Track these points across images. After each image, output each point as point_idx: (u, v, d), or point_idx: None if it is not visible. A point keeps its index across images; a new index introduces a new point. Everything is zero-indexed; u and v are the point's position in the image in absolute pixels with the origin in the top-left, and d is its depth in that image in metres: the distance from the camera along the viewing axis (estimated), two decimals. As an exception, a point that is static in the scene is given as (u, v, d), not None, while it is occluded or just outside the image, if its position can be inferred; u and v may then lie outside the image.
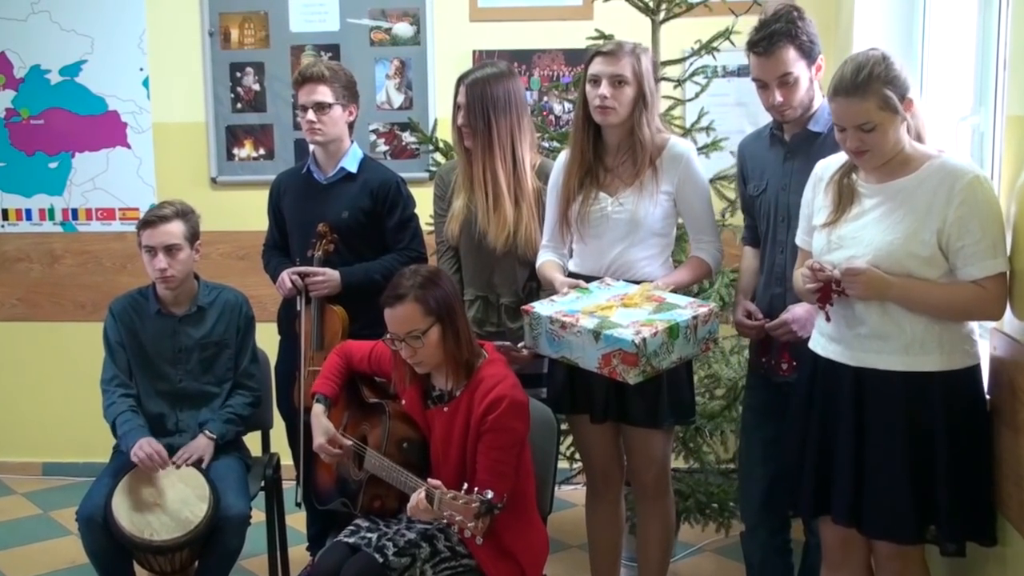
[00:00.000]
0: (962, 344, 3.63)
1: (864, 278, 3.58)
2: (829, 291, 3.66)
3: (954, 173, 3.53)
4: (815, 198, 3.91)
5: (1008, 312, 3.59)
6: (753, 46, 4.19)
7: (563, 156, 4.62)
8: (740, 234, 4.79)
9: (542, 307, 4.22)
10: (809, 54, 4.17)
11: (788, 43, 4.12)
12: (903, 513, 3.64)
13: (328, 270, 4.98)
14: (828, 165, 3.90)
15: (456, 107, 4.80)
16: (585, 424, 4.57)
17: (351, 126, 5.19)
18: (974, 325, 3.70)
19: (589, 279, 4.39)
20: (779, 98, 4.19)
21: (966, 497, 3.61)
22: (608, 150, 4.50)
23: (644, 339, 3.86)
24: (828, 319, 3.73)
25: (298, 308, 5.03)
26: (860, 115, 3.53)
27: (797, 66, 4.15)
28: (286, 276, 5.02)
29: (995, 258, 3.51)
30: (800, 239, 4.04)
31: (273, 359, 5.39)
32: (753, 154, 4.52)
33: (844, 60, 3.64)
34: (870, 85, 3.51)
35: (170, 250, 4.85)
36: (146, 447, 4.71)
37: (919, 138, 3.66)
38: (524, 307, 4.30)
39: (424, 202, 5.20)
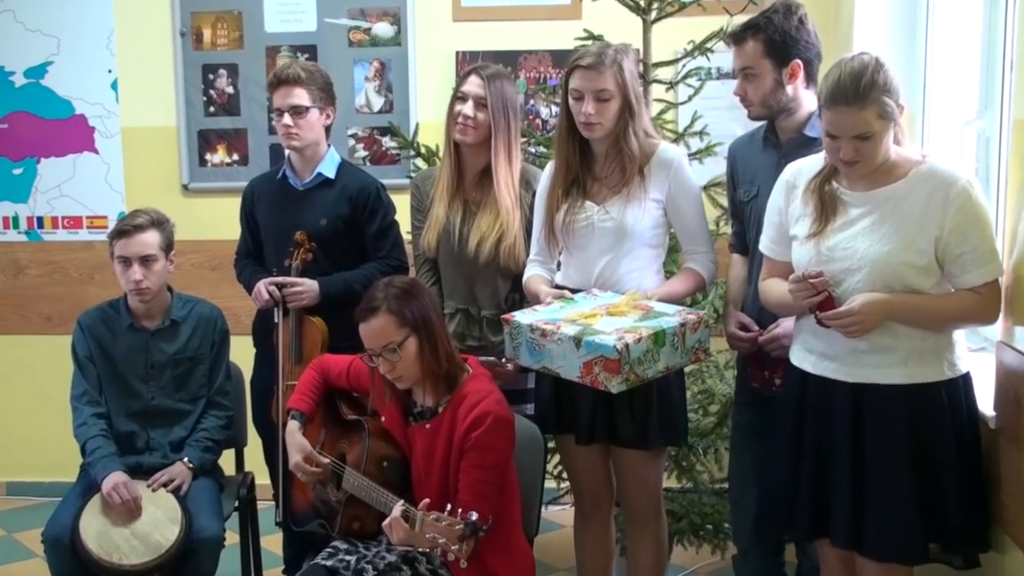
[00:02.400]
0: (956, 352, 3.69)
1: (861, 316, 3.58)
2: (831, 300, 3.66)
3: (946, 180, 3.55)
4: (789, 206, 3.90)
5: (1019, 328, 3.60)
6: (728, 35, 4.31)
7: (551, 165, 4.60)
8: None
9: (523, 316, 4.21)
10: (779, 53, 4.19)
11: (756, 37, 4.17)
12: (910, 533, 3.64)
13: (306, 280, 4.97)
14: (800, 170, 3.88)
15: (460, 97, 4.76)
16: (572, 445, 4.54)
17: (328, 129, 5.17)
18: (960, 333, 3.73)
19: (576, 292, 4.37)
20: (738, 91, 4.27)
21: (973, 508, 3.65)
22: (596, 159, 4.48)
23: (627, 345, 3.84)
24: (824, 325, 3.69)
25: (275, 320, 5.02)
26: (860, 125, 3.52)
27: (761, 63, 4.19)
28: (262, 287, 5.00)
29: (992, 263, 3.56)
30: (766, 246, 4.03)
31: (247, 373, 5.38)
32: (744, 157, 4.52)
33: (834, 66, 3.61)
34: (871, 94, 3.49)
35: (145, 261, 4.84)
36: (122, 492, 4.66)
37: (897, 141, 3.65)
38: (504, 316, 4.29)
39: (405, 209, 5.17)
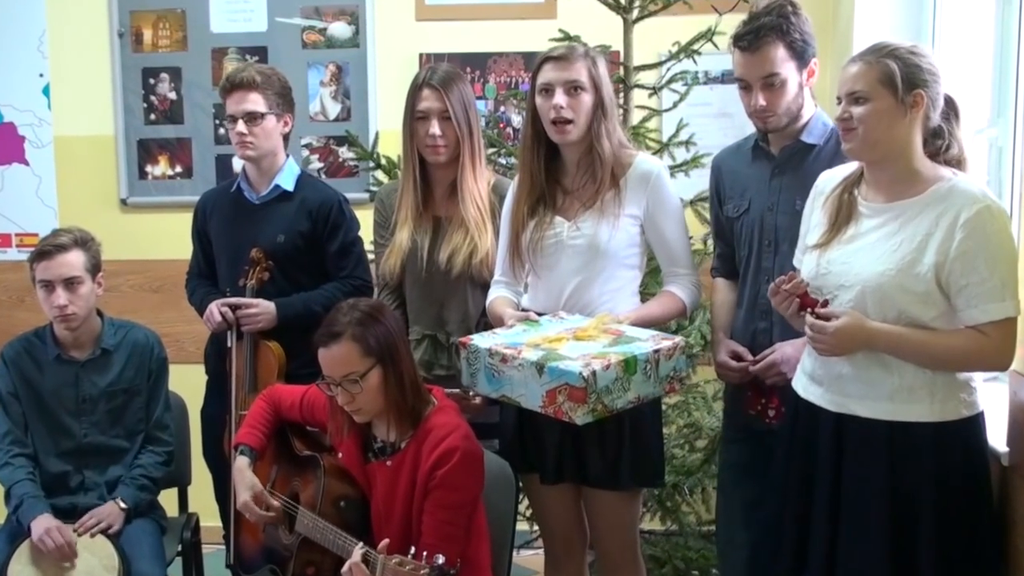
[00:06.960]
0: (958, 392, 3.60)
1: (834, 340, 3.57)
2: (808, 299, 3.66)
3: (962, 201, 3.49)
4: (812, 214, 3.90)
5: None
6: (738, 40, 4.17)
7: (517, 178, 4.57)
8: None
9: (481, 339, 4.16)
10: (801, 55, 4.15)
11: (777, 39, 4.10)
12: None
13: (262, 301, 4.95)
14: (831, 178, 3.88)
15: (421, 117, 4.72)
16: (539, 484, 4.49)
17: (286, 138, 5.16)
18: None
19: (543, 315, 4.34)
20: (761, 102, 4.15)
21: (958, 565, 3.57)
22: (566, 170, 4.45)
23: (594, 372, 3.78)
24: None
25: (228, 344, 4.99)
26: (858, 80, 3.58)
27: (785, 67, 4.13)
28: (215, 308, 4.97)
29: (1003, 301, 3.46)
30: (796, 259, 4.02)
31: (192, 404, 5.35)
32: (732, 170, 4.48)
33: None
34: (882, 55, 3.56)
35: (70, 284, 4.79)
36: (55, 536, 4.61)
37: (959, 164, 3.65)
38: (461, 340, 4.25)
39: (366, 225, 5.16)
